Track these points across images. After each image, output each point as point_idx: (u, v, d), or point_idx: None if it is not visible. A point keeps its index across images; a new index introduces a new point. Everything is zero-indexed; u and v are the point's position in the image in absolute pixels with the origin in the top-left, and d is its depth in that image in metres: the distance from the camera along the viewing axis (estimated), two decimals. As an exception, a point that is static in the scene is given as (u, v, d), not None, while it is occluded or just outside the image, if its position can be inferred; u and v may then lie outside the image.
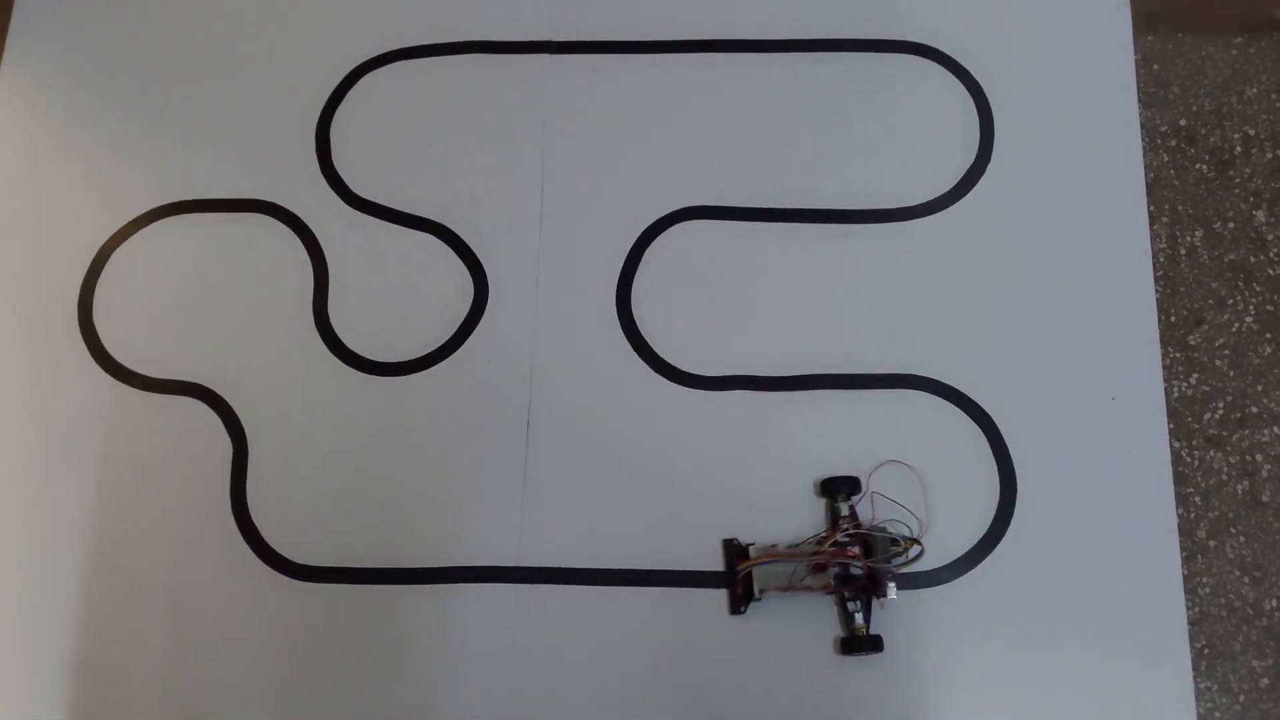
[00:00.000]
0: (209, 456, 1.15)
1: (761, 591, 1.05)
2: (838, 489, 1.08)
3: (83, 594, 1.12)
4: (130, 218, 1.24)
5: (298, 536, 1.12)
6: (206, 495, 1.14)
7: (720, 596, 1.08)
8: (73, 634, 1.11)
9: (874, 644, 1.04)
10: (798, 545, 1.07)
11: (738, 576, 1.07)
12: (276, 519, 1.13)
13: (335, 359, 1.18)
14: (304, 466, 1.15)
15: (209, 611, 1.11)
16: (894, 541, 1.05)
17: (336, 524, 1.13)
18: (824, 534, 1.06)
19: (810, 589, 1.04)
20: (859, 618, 1.04)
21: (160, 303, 1.21)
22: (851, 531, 1.05)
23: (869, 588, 1.04)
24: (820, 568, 1.04)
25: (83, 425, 1.17)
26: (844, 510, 1.08)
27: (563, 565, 1.10)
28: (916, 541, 1.06)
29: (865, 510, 1.08)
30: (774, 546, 1.07)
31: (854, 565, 1.03)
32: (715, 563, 1.09)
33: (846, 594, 1.05)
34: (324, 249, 1.22)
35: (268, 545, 1.12)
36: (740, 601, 1.07)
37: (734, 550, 1.08)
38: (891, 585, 1.04)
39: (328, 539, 1.12)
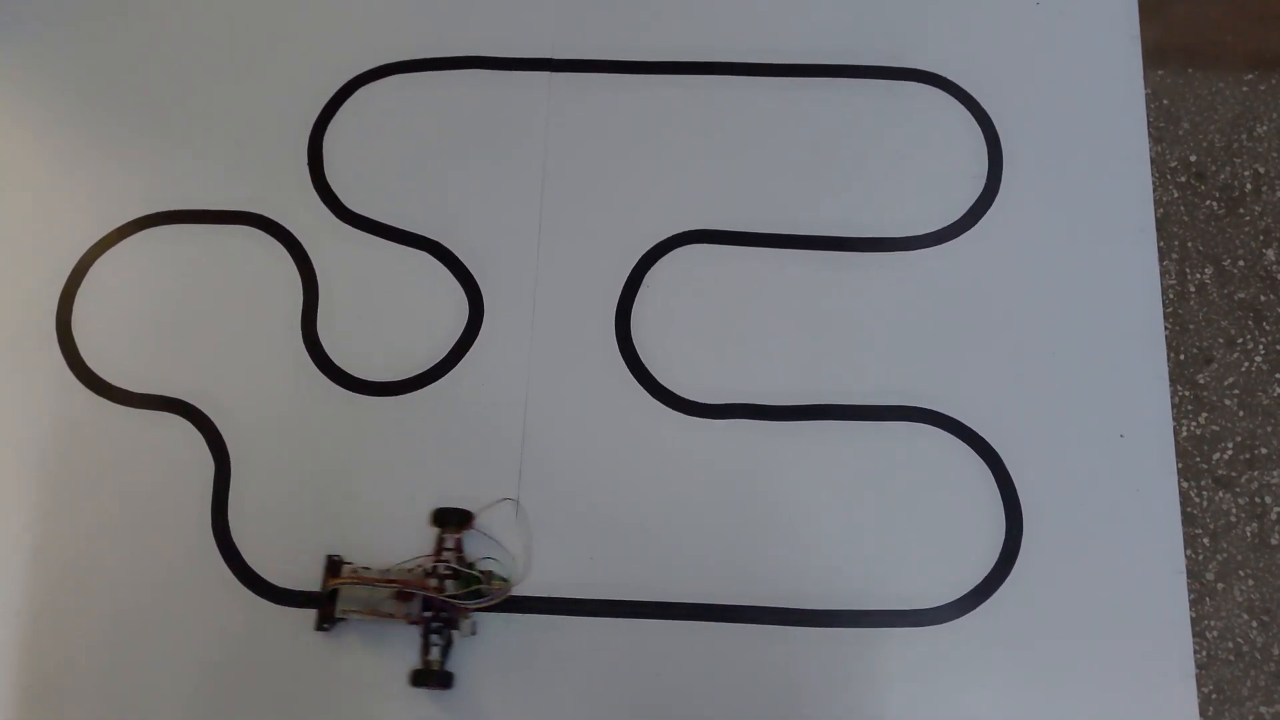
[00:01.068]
0: (190, 475, 1.11)
1: (344, 612, 1.03)
2: (447, 520, 1.07)
3: (57, 613, 1.08)
4: (113, 227, 1.20)
5: (280, 560, 1.09)
6: (187, 515, 1.10)
7: (726, 630, 1.06)
8: (46, 653, 1.06)
9: (442, 679, 1.02)
10: (389, 571, 1.04)
11: (326, 594, 1.04)
12: (259, 541, 1.09)
13: (324, 377, 1.14)
14: (288, 488, 1.11)
15: (187, 634, 1.07)
16: (479, 578, 1.03)
17: (321, 548, 1.09)
18: (419, 561, 1.04)
19: (391, 615, 1.02)
20: (435, 651, 1.02)
21: (143, 315, 1.17)
22: (446, 564, 1.04)
23: (449, 621, 1.02)
24: (404, 596, 1.02)
25: (59, 441, 1.13)
26: (449, 542, 1.06)
27: (558, 595, 1.07)
28: (506, 581, 1.05)
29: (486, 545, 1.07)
30: (367, 570, 1.04)
31: (431, 596, 1.02)
32: (710, 595, 1.07)
33: (431, 625, 1.03)
34: (314, 264, 1.18)
35: (249, 568, 1.09)
36: (325, 619, 1.04)
37: (330, 566, 1.06)
38: (470, 623, 1.03)
39: (311, 563, 1.08)
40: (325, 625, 1.04)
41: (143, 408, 1.14)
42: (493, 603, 1.04)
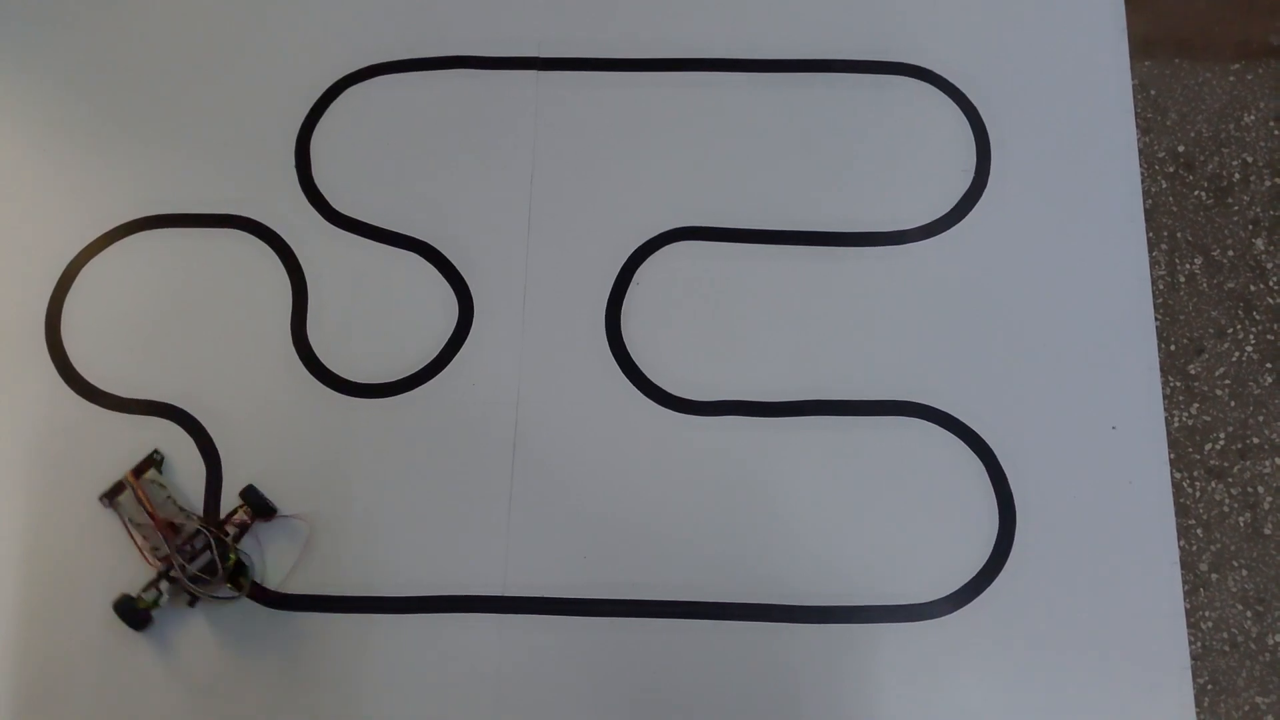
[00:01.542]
0: (181, 479, 1.11)
1: (115, 506, 1.07)
2: (249, 499, 1.08)
3: (49, 620, 1.07)
4: (102, 231, 1.19)
5: (273, 563, 1.08)
6: (178, 520, 1.09)
7: (721, 628, 1.06)
8: (39, 659, 1.06)
9: (136, 619, 1.04)
10: (187, 510, 1.07)
11: (121, 484, 1.08)
12: (250, 546, 1.09)
13: (314, 380, 1.14)
14: (279, 490, 1.10)
15: (184, 639, 1.06)
16: (231, 567, 1.05)
17: (315, 552, 1.09)
18: (201, 519, 1.06)
19: (142, 542, 1.05)
20: (151, 593, 1.04)
21: (132, 320, 1.17)
22: (215, 531, 1.05)
23: (175, 578, 1.04)
24: (170, 529, 1.04)
25: (50, 447, 1.12)
26: (239, 516, 1.07)
27: (550, 595, 1.07)
28: (244, 581, 1.06)
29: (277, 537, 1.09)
30: (163, 492, 1.07)
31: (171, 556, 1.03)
32: (704, 593, 1.07)
33: (162, 574, 1.05)
34: (303, 266, 1.18)
35: (242, 573, 1.08)
36: (107, 495, 1.08)
37: (142, 466, 1.09)
38: (188, 597, 1.05)
39: (305, 566, 1.08)
40: (103, 500, 1.09)
41: (133, 413, 1.13)
42: (210, 596, 1.05)
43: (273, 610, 1.07)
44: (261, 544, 1.09)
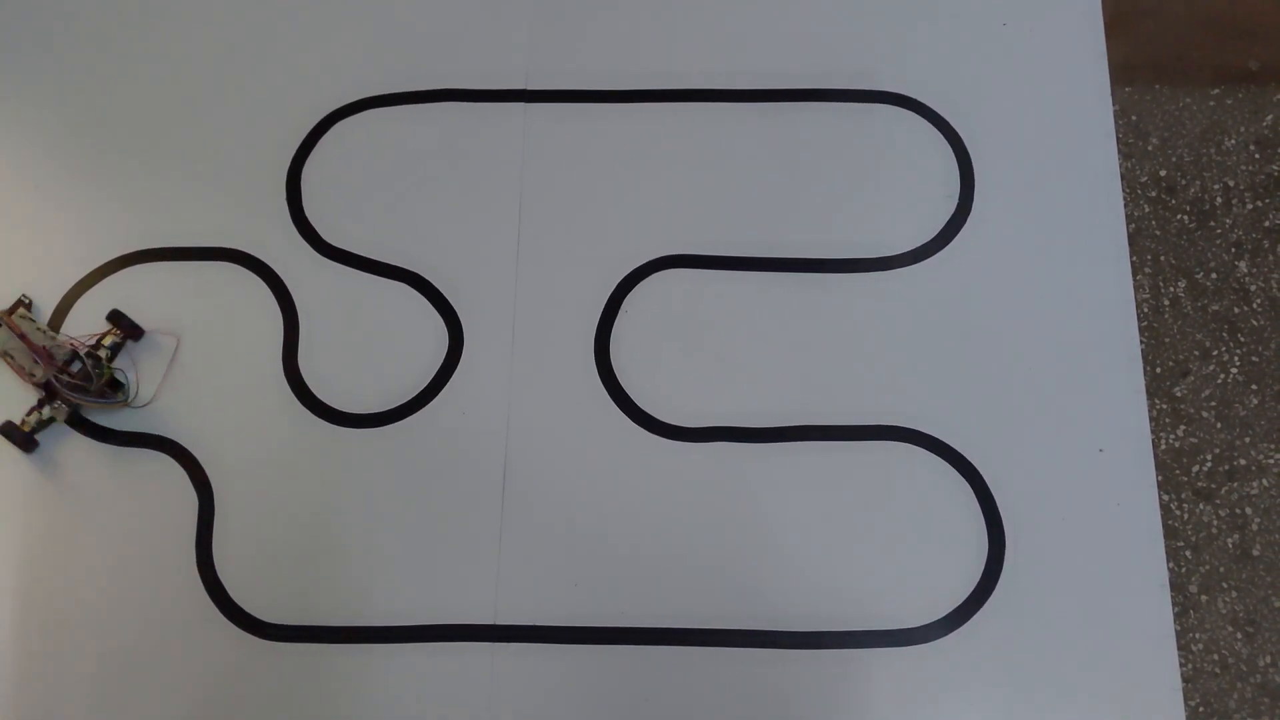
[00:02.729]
0: (174, 512, 1.11)
1: None
2: (119, 321, 1.15)
3: (43, 654, 1.07)
4: (94, 266, 1.20)
5: (266, 594, 1.09)
6: (171, 552, 1.10)
7: (713, 654, 1.06)
8: (32, 694, 1.06)
9: (26, 442, 1.12)
10: (48, 334, 1.13)
11: None
12: (244, 576, 1.09)
13: (306, 411, 1.14)
14: (273, 522, 1.11)
15: (173, 672, 1.07)
16: (106, 379, 1.11)
17: (307, 581, 1.09)
18: (74, 339, 1.13)
19: (20, 369, 1.11)
20: (34, 417, 1.12)
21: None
22: (90, 350, 1.12)
23: (54, 395, 1.11)
24: (46, 355, 1.10)
25: (40, 480, 1.13)
26: (110, 340, 1.14)
27: (542, 623, 1.07)
28: (122, 392, 1.13)
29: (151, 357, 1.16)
30: (32, 324, 1.13)
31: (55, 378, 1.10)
32: (695, 619, 1.07)
33: (44, 396, 1.12)
34: (294, 298, 1.19)
35: (235, 603, 1.08)
36: None
37: (13, 308, 1.15)
38: (66, 409, 1.12)
39: (297, 597, 1.08)
40: None
41: (126, 445, 1.14)
42: (93, 404, 1.12)
43: (261, 641, 1.07)
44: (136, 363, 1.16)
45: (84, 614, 1.08)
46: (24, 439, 1.12)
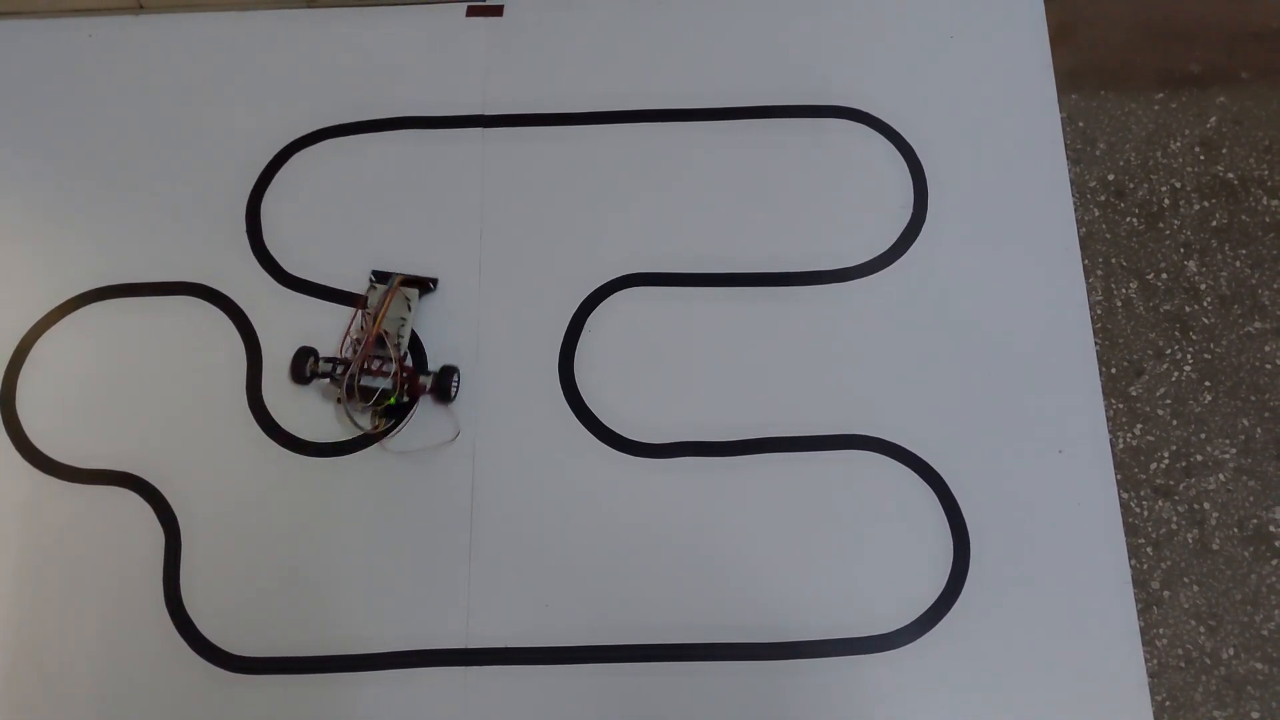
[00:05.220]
0: (140, 547, 1.11)
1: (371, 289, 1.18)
2: (443, 379, 1.15)
3: (10, 693, 1.07)
4: (55, 304, 1.20)
5: (235, 627, 1.08)
6: (138, 587, 1.09)
7: (685, 669, 1.06)
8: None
9: (303, 373, 1.15)
10: (402, 341, 1.15)
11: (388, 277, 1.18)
12: (212, 609, 1.09)
13: (271, 441, 1.15)
14: (240, 553, 1.11)
15: (143, 708, 1.06)
16: (389, 403, 1.12)
17: (276, 612, 1.09)
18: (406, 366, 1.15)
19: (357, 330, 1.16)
20: (328, 365, 1.15)
21: (87, 391, 1.17)
22: (405, 369, 1.14)
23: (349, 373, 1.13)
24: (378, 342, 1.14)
25: (7, 521, 1.12)
26: (425, 380, 1.15)
27: (514, 645, 1.07)
28: (374, 425, 1.14)
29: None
30: (402, 321, 1.15)
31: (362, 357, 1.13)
32: (667, 635, 1.07)
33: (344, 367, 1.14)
34: (256, 329, 1.19)
35: (203, 637, 1.08)
36: (377, 277, 1.18)
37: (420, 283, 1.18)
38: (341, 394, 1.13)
39: (267, 628, 1.08)
40: (371, 277, 1.18)
41: (90, 483, 1.13)
42: (354, 409, 1.13)
43: (230, 674, 1.06)
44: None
45: (50, 653, 1.08)
46: (305, 373, 1.15)
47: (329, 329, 1.18)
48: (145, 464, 1.14)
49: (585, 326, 1.18)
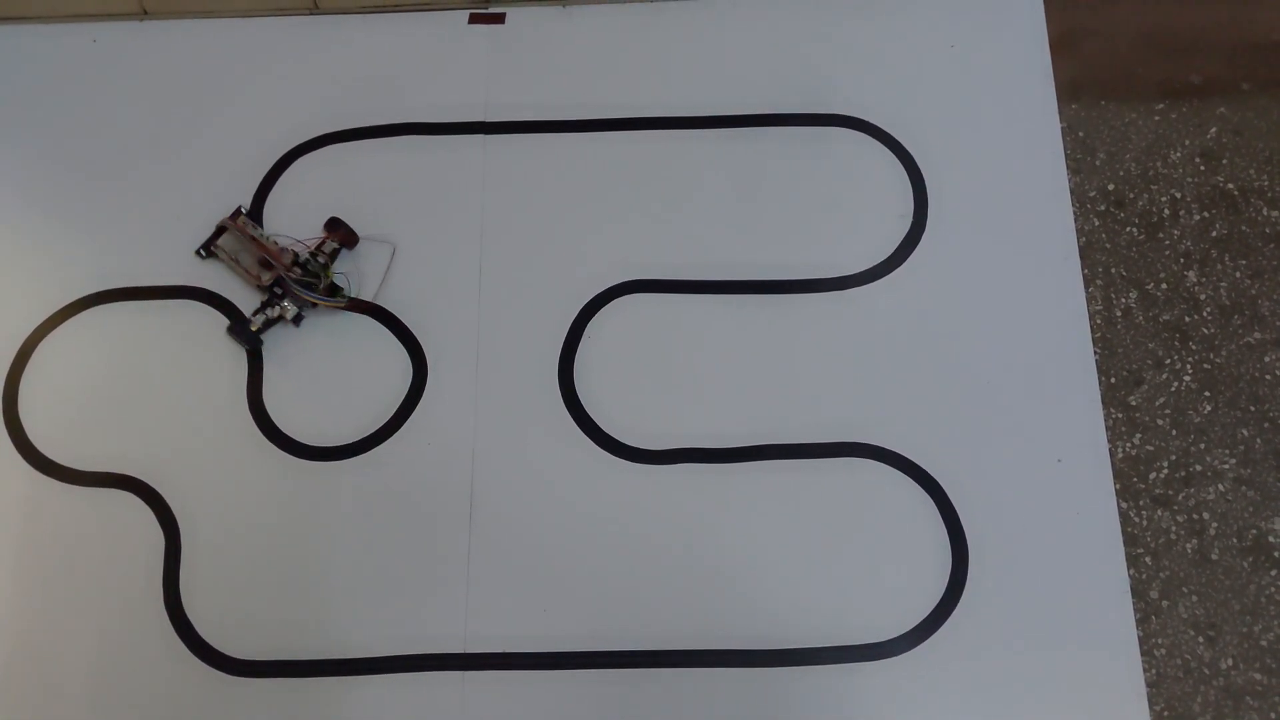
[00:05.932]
0: (140, 550, 1.11)
1: (217, 249, 1.21)
2: (336, 228, 1.20)
3: (10, 695, 1.07)
4: (57, 308, 1.21)
5: (234, 630, 1.08)
6: (138, 590, 1.10)
7: (682, 675, 1.06)
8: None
9: (252, 340, 1.17)
10: (270, 239, 1.19)
11: (221, 228, 1.21)
12: (211, 612, 1.09)
13: (272, 445, 1.15)
14: (240, 557, 1.11)
15: (142, 711, 1.06)
16: (328, 282, 1.18)
17: (275, 616, 1.09)
18: (295, 244, 1.20)
19: (246, 272, 1.19)
20: (259, 319, 1.17)
21: (89, 394, 1.18)
22: (315, 258, 1.19)
23: (279, 298, 1.18)
24: (265, 264, 1.18)
25: (8, 523, 1.12)
26: (327, 246, 1.20)
27: (511, 650, 1.07)
28: (342, 296, 1.19)
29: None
30: (258, 230, 1.20)
31: (283, 276, 1.17)
32: (664, 641, 1.07)
33: (270, 296, 1.18)
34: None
35: (203, 640, 1.08)
36: (204, 247, 1.21)
37: (233, 214, 1.21)
38: (296, 312, 1.18)
39: (266, 632, 1.08)
40: (200, 252, 1.22)
41: (91, 485, 1.14)
42: (321, 302, 1.18)
43: (230, 677, 1.07)
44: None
45: (50, 655, 1.08)
46: (252, 338, 1.16)
47: (328, 332, 1.19)
48: (146, 467, 1.14)
49: (585, 332, 1.19)
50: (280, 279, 1.17)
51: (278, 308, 1.17)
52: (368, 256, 1.22)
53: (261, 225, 1.23)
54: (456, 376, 1.17)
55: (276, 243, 1.19)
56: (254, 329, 1.17)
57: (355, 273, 1.21)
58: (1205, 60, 1.28)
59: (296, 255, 1.18)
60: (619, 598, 1.09)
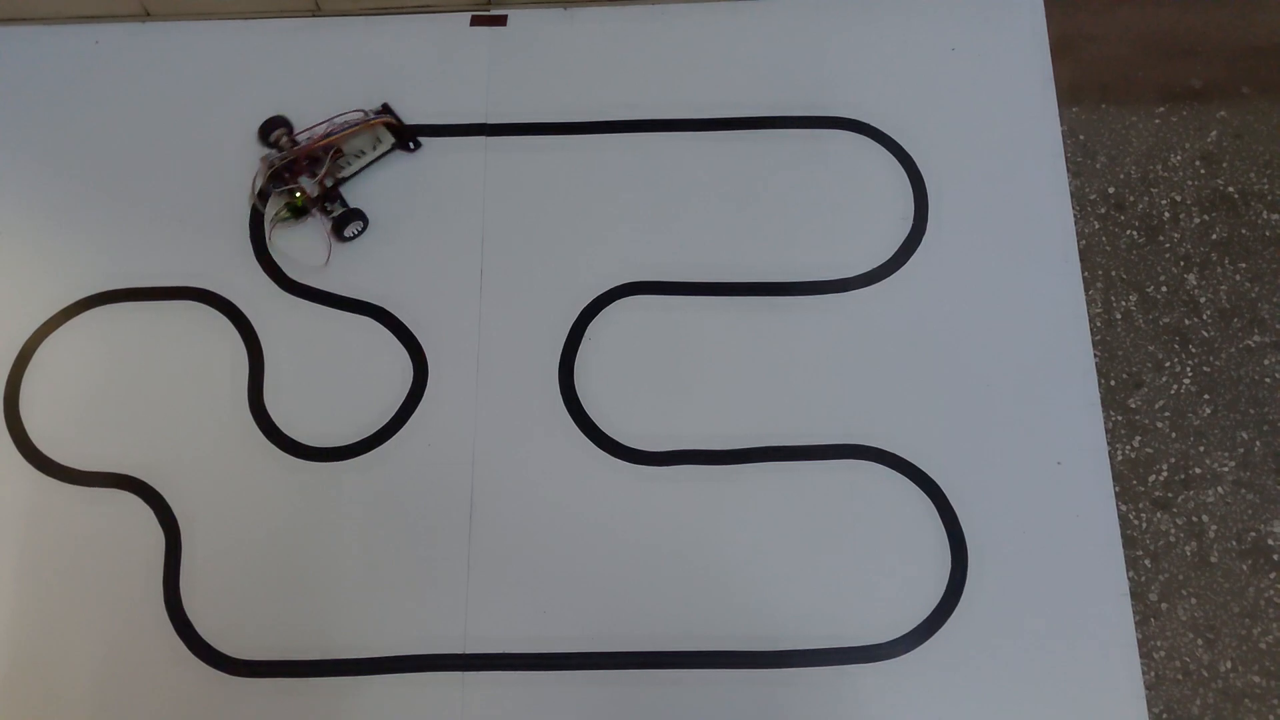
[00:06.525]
0: (141, 550, 1.11)
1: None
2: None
3: (10, 695, 1.07)
4: (59, 308, 1.21)
5: (234, 630, 1.09)
6: (138, 590, 1.10)
7: (681, 676, 1.06)
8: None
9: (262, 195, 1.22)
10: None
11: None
12: (212, 612, 1.09)
13: (272, 446, 1.15)
14: (240, 557, 1.11)
15: (142, 711, 1.06)
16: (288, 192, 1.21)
17: (275, 616, 1.09)
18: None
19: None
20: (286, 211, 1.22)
21: (90, 394, 1.18)
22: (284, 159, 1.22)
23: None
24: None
25: (9, 523, 1.12)
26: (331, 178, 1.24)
27: (511, 651, 1.07)
28: (299, 214, 1.22)
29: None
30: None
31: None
32: (663, 643, 1.07)
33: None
34: (259, 335, 1.19)
35: (203, 640, 1.08)
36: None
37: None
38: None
39: (266, 632, 1.08)
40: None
41: (92, 485, 1.14)
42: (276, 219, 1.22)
43: (230, 677, 1.07)
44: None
45: (50, 655, 1.08)
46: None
47: (329, 334, 1.19)
48: (147, 467, 1.14)
49: (585, 334, 1.19)
50: (285, 157, 1.20)
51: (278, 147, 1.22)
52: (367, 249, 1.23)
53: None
54: (457, 377, 1.17)
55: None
56: (272, 140, 1.22)
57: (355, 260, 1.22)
58: (1205, 64, 1.29)
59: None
60: (618, 599, 1.09)
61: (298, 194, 1.20)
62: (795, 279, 1.20)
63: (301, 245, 1.23)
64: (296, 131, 1.24)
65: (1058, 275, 1.19)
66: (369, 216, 1.22)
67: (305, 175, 1.21)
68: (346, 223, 1.21)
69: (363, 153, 1.23)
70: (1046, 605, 1.07)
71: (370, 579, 1.10)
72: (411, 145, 1.26)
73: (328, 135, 1.20)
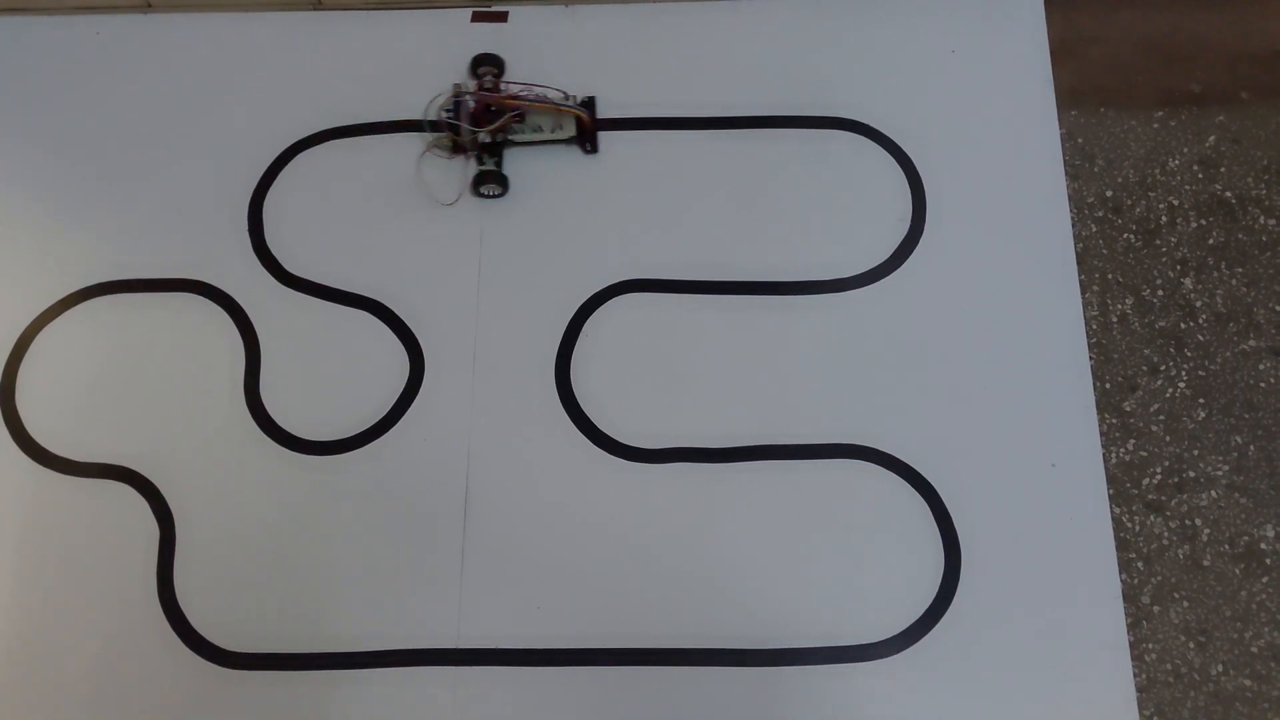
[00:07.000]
0: (135, 541, 1.11)
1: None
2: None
3: (2, 687, 1.07)
4: (56, 299, 1.21)
5: (228, 623, 1.09)
6: (132, 581, 1.10)
7: (674, 674, 1.06)
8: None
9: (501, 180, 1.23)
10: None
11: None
12: (206, 605, 1.09)
13: (268, 439, 1.15)
14: (234, 550, 1.11)
15: (135, 703, 1.06)
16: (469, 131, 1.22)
17: (269, 609, 1.09)
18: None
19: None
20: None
21: (87, 385, 1.18)
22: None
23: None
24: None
25: (3, 513, 1.12)
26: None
27: (504, 646, 1.07)
28: (455, 151, 1.24)
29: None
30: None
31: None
32: (657, 640, 1.07)
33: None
34: (256, 328, 1.19)
35: (196, 632, 1.08)
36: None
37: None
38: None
39: (260, 625, 1.08)
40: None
41: (88, 476, 1.14)
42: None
43: (224, 669, 1.07)
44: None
45: (42, 646, 1.08)
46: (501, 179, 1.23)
47: (326, 328, 1.19)
48: (142, 458, 1.14)
49: (583, 331, 1.19)
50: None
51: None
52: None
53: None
54: (453, 373, 1.17)
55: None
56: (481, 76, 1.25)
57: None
58: (1205, 69, 1.29)
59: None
60: (613, 595, 1.09)
61: (475, 134, 1.21)
62: (792, 278, 1.20)
63: (437, 179, 1.25)
64: (503, 79, 1.26)
65: (1054, 278, 1.19)
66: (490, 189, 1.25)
67: (480, 120, 1.22)
68: (490, 181, 1.22)
69: (540, 129, 1.24)
70: (1039, 607, 1.07)
71: (365, 573, 1.10)
72: (587, 147, 1.25)
73: (519, 97, 1.22)
